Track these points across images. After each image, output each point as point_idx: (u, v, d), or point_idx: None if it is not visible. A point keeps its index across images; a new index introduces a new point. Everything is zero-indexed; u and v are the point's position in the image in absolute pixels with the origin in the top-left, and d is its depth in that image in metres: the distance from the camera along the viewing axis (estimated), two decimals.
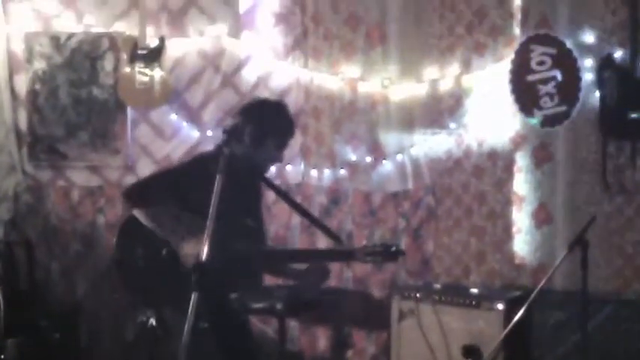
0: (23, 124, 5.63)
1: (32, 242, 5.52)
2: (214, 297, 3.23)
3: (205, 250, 3.00)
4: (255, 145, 3.67)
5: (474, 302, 4.52)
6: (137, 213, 3.63)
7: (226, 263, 3.30)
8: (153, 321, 4.12)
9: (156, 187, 3.69)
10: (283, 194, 4.06)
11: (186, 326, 2.91)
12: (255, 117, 3.72)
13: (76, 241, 5.62)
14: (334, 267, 4.79)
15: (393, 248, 3.73)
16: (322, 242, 5.05)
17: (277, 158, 3.81)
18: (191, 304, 2.93)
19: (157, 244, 3.59)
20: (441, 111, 5.10)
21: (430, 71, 5.11)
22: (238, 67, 5.45)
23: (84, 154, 5.59)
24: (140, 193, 3.70)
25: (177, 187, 3.63)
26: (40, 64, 5.58)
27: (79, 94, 5.57)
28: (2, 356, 4.77)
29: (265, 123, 3.72)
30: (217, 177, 3.13)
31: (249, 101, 4.17)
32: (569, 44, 4.65)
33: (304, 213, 4.03)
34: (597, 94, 4.61)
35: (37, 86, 5.59)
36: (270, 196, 5.04)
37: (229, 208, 3.20)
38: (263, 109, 3.87)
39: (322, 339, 5.31)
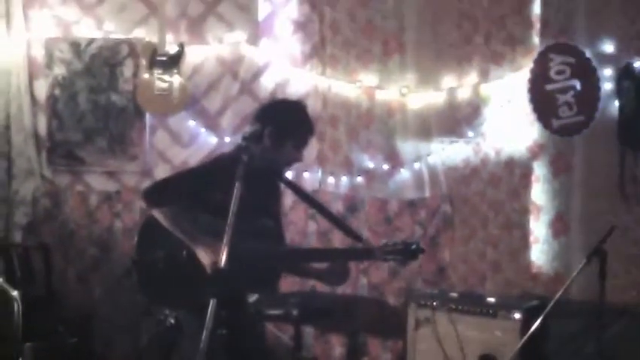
0: (42, 129, 5.68)
1: (49, 247, 5.53)
2: (232, 303, 3.23)
3: (224, 256, 3.01)
4: (275, 146, 3.66)
5: (490, 311, 4.51)
6: (156, 213, 3.64)
7: (245, 264, 3.30)
8: (172, 320, 4.13)
9: (175, 187, 3.69)
10: (303, 194, 4.06)
11: (204, 333, 2.92)
12: (274, 118, 3.71)
13: (92, 246, 5.65)
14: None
15: (414, 246, 3.68)
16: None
17: (298, 158, 3.80)
18: (209, 310, 2.94)
19: (176, 245, 3.59)
20: (458, 120, 5.10)
21: (448, 80, 5.12)
22: (256, 74, 5.47)
23: (102, 160, 5.62)
24: (160, 193, 3.69)
25: (197, 187, 3.63)
26: (59, 70, 5.62)
27: (98, 100, 5.60)
28: None
29: (285, 123, 3.70)
30: (236, 184, 3.14)
31: (267, 102, 4.16)
32: (588, 54, 4.64)
33: (324, 212, 4.01)
34: (616, 103, 4.60)
35: (57, 92, 5.63)
36: (286, 202, 5.06)
37: (248, 209, 3.20)
38: (282, 109, 3.86)
39: (337, 346, 5.31)
